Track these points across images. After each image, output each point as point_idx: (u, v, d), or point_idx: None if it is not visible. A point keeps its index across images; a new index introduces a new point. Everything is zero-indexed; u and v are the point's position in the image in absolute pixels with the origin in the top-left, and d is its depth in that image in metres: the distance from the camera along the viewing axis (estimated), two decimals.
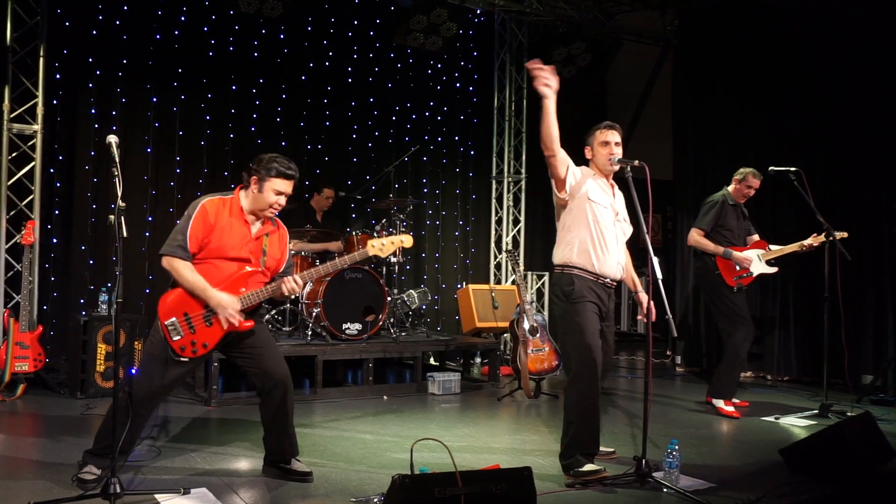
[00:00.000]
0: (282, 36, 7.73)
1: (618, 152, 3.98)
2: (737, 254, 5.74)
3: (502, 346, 8.02)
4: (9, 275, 6.12)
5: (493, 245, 9.04)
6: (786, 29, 7.39)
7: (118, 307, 3.32)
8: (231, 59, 7.47)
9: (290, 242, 3.89)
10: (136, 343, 5.79)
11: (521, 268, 8.46)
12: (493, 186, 9.05)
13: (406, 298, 7.14)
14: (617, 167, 3.98)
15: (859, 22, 6.75)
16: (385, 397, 6.08)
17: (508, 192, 8.97)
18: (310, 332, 6.19)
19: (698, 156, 8.35)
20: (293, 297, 3.70)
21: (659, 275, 3.71)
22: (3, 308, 5.97)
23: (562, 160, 3.84)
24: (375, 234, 6.74)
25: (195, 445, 4.33)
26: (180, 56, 7.22)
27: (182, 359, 3.50)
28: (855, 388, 6.28)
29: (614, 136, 4.00)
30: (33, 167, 6.22)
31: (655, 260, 3.72)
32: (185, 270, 3.48)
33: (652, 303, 3.87)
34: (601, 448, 4.04)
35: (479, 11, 8.61)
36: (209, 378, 5.53)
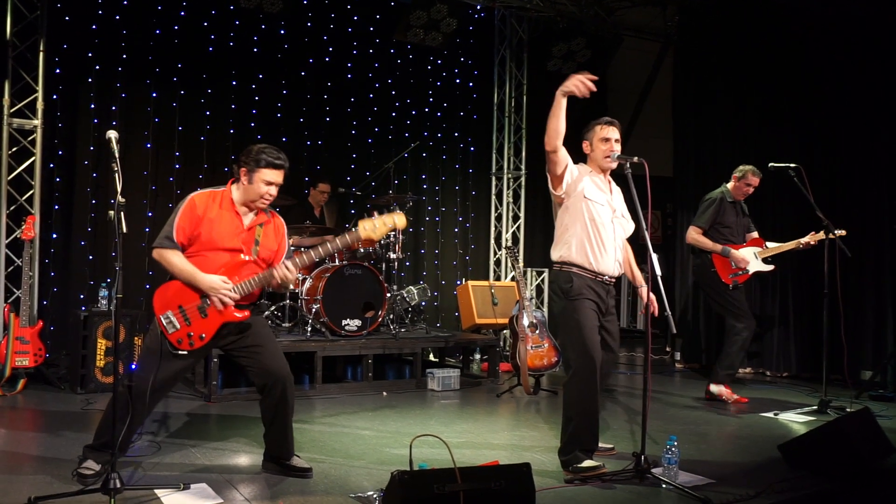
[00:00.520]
0: (282, 31, 7.72)
1: (617, 149, 3.98)
2: (734, 252, 5.76)
3: (502, 343, 8.02)
4: (9, 270, 6.12)
5: (492, 241, 9.04)
6: (787, 26, 7.39)
7: (118, 303, 3.32)
8: (231, 55, 7.46)
9: (288, 237, 3.87)
10: (135, 339, 5.79)
11: (521, 264, 8.46)
12: (493, 183, 9.05)
13: (406, 295, 7.14)
14: (615, 164, 3.98)
15: (859, 21, 6.74)
16: (384, 393, 6.08)
17: (508, 188, 8.97)
18: (309, 328, 6.19)
19: (698, 152, 8.34)
20: (290, 286, 3.66)
21: (658, 271, 3.71)
22: (4, 303, 5.97)
23: (562, 158, 3.84)
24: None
25: (195, 441, 4.33)
26: (180, 51, 7.21)
27: (180, 352, 3.49)
28: (854, 384, 6.29)
29: (614, 133, 3.99)
30: (33, 162, 6.22)
31: (655, 257, 3.72)
32: (174, 258, 3.49)
33: (653, 296, 3.88)
34: (600, 444, 4.05)
35: (479, 7, 8.60)
36: (209, 374, 5.54)
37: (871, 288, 6.70)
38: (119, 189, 3.26)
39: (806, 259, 6.23)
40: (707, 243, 5.84)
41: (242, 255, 3.57)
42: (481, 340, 7.27)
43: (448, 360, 7.64)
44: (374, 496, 3.31)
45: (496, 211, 9.04)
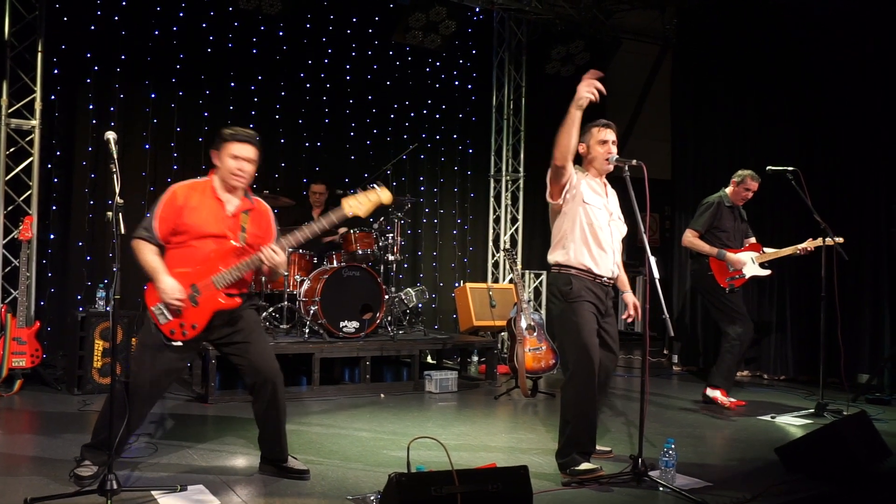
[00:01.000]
0: (281, 33, 7.72)
1: (614, 151, 3.99)
2: (730, 255, 5.77)
3: (499, 345, 8.02)
4: (6, 270, 6.11)
5: (490, 244, 9.04)
6: (785, 28, 7.40)
7: (116, 303, 3.31)
8: (230, 56, 7.46)
9: (276, 222, 3.85)
10: (133, 339, 5.78)
11: (519, 267, 8.47)
12: (492, 185, 9.05)
13: (404, 297, 7.14)
14: (613, 167, 3.98)
15: (859, 22, 6.75)
16: (382, 395, 6.08)
17: (506, 190, 8.97)
18: (307, 330, 6.19)
19: (697, 155, 8.35)
20: (280, 270, 3.62)
21: (656, 274, 3.71)
22: (1, 303, 5.96)
23: (569, 171, 3.84)
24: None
25: (192, 442, 4.33)
26: (179, 52, 7.21)
27: (174, 342, 3.49)
28: (851, 387, 6.28)
29: (611, 135, 4.01)
30: (31, 163, 6.21)
31: (653, 259, 3.72)
32: (145, 252, 3.51)
33: (637, 303, 3.91)
34: (598, 447, 4.05)
35: (477, 10, 8.60)
36: (207, 375, 5.53)
37: (869, 291, 6.71)
38: (117, 190, 3.27)
39: (803, 263, 6.24)
40: (703, 246, 5.85)
41: (232, 242, 3.56)
42: (479, 342, 7.27)
43: (446, 362, 7.64)
44: (372, 498, 3.31)
45: (494, 213, 9.04)
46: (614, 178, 4.09)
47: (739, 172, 5.94)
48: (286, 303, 6.44)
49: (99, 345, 5.62)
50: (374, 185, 3.72)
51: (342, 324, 6.22)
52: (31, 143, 6.22)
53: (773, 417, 5.51)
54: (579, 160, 4.07)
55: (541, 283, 8.83)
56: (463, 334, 7.58)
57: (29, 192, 6.18)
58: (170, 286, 3.43)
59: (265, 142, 3.77)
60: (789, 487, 3.70)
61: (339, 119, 8.11)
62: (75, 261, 6.66)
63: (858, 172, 6.86)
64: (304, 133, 7.89)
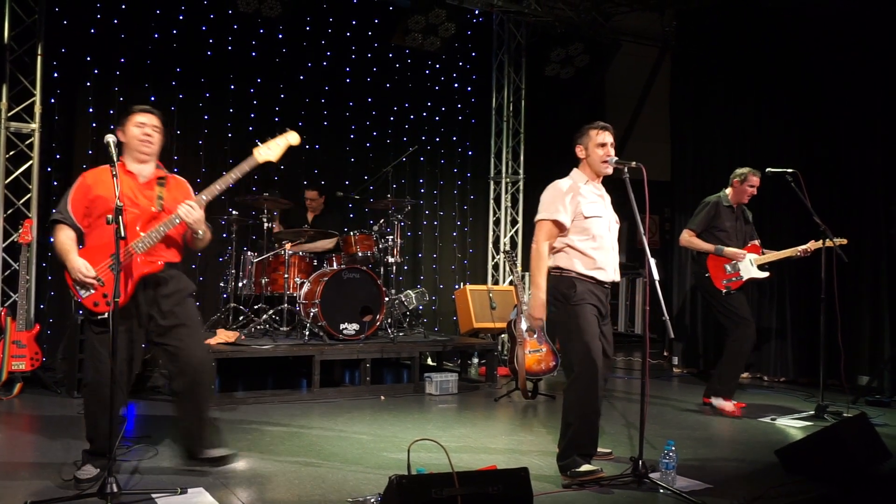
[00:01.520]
0: (280, 36, 7.73)
1: (612, 153, 4.00)
2: (727, 249, 5.73)
3: (500, 347, 8.03)
4: (6, 274, 6.12)
5: (490, 246, 9.04)
6: (784, 29, 7.40)
7: (115, 306, 3.31)
8: (229, 59, 7.48)
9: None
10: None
11: (519, 268, 8.45)
12: (491, 187, 9.06)
13: (404, 299, 7.14)
14: (611, 170, 3.98)
15: (858, 22, 6.76)
16: (382, 398, 6.08)
17: (506, 192, 8.97)
18: (307, 332, 6.19)
19: (697, 157, 8.36)
20: (201, 231, 3.59)
21: (656, 276, 3.71)
22: (1, 307, 5.96)
23: (564, 225, 3.89)
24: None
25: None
26: (178, 55, 7.22)
27: (99, 316, 3.49)
28: (851, 389, 6.28)
29: (609, 138, 4.01)
30: (31, 166, 6.22)
31: (652, 261, 3.72)
32: (59, 234, 3.59)
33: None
34: (598, 449, 4.05)
35: (477, 12, 8.62)
36: None
37: (868, 293, 6.70)
38: (117, 193, 3.27)
39: (803, 264, 6.23)
40: (700, 244, 5.82)
41: (152, 209, 3.59)
42: (479, 345, 7.27)
43: (446, 364, 7.64)
44: (372, 500, 3.31)
45: (494, 215, 9.04)
46: (614, 181, 4.09)
47: (738, 171, 5.90)
48: (286, 305, 6.44)
49: None
50: (286, 130, 3.83)
51: (342, 326, 6.22)
52: (30, 146, 6.23)
53: (773, 419, 5.51)
54: (577, 163, 4.08)
55: (548, 285, 8.81)
56: (463, 336, 7.58)
57: (29, 196, 6.19)
58: (74, 266, 3.48)
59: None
60: (789, 490, 3.69)
61: (338, 121, 8.12)
62: None
63: (858, 174, 6.86)
64: (303, 135, 7.74)
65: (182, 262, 3.83)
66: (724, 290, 5.71)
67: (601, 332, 3.95)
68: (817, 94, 7.15)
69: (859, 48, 6.78)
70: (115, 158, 3.39)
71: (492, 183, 9.05)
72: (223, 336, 5.87)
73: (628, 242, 11.92)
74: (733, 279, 5.72)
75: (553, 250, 3.98)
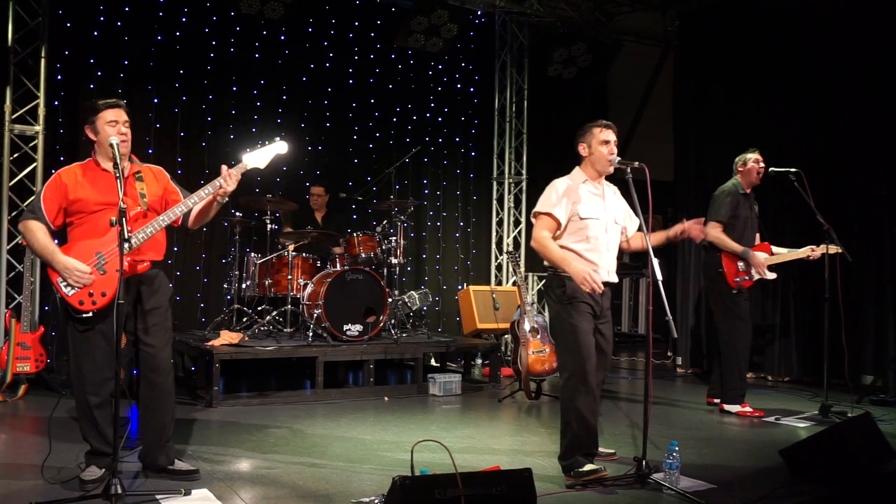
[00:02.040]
0: (283, 37, 7.74)
1: (615, 151, 3.99)
2: (755, 256, 5.57)
3: (503, 348, 8.02)
4: (10, 275, 6.13)
5: (493, 246, 9.04)
6: (786, 30, 7.39)
7: (119, 308, 3.32)
8: (232, 61, 7.49)
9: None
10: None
11: (522, 269, 8.47)
12: (494, 188, 9.06)
13: (407, 300, 7.15)
14: (612, 169, 3.98)
15: (860, 23, 6.75)
16: (386, 398, 6.08)
17: (509, 193, 8.97)
18: (311, 334, 6.19)
19: (699, 156, 8.35)
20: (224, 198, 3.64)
21: (659, 276, 3.71)
22: (5, 309, 5.98)
23: (560, 220, 3.90)
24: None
25: (196, 446, 4.33)
26: (181, 57, 7.24)
27: (84, 314, 3.46)
28: (855, 388, 6.27)
29: (612, 136, 4.00)
30: (35, 168, 6.24)
31: (656, 261, 3.71)
32: (35, 233, 3.49)
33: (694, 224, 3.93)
34: (602, 449, 4.05)
35: (479, 13, 8.62)
36: (211, 379, 5.54)
37: (872, 292, 6.69)
38: (121, 195, 3.28)
39: (807, 264, 6.20)
40: (729, 243, 5.60)
41: (138, 207, 3.57)
42: (483, 345, 7.27)
43: (449, 364, 7.64)
44: (376, 501, 3.31)
45: (497, 216, 9.04)
46: (617, 181, 4.09)
47: (742, 156, 5.81)
48: (290, 306, 6.44)
49: None
50: (277, 138, 3.82)
51: (346, 327, 6.23)
52: (34, 148, 6.24)
53: (777, 419, 5.50)
54: (579, 160, 4.07)
55: (544, 285, 8.82)
56: (466, 337, 7.58)
57: (33, 196, 6.20)
58: (68, 265, 3.42)
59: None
60: (793, 490, 3.69)
61: (341, 123, 8.13)
62: None
63: (861, 173, 6.85)
64: (306, 137, 7.91)
65: (164, 261, 3.83)
66: (736, 289, 5.63)
67: (599, 331, 3.94)
68: (819, 94, 7.14)
69: (861, 48, 6.77)
70: (118, 160, 3.39)
71: (495, 183, 9.06)
72: (227, 337, 5.88)
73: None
74: (745, 278, 5.63)
75: None
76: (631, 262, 10.65)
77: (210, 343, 5.79)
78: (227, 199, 3.67)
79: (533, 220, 4.03)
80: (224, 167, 3.61)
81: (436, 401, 6.11)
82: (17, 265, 6.10)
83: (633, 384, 7.32)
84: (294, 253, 6.48)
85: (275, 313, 6.47)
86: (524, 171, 8.92)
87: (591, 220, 3.91)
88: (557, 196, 3.93)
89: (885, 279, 6.63)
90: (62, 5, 6.62)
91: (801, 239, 5.93)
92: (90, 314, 3.47)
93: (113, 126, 3.55)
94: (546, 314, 8.25)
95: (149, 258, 3.62)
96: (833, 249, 5.48)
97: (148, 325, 3.63)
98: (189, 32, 7.26)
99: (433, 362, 7.70)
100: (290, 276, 6.41)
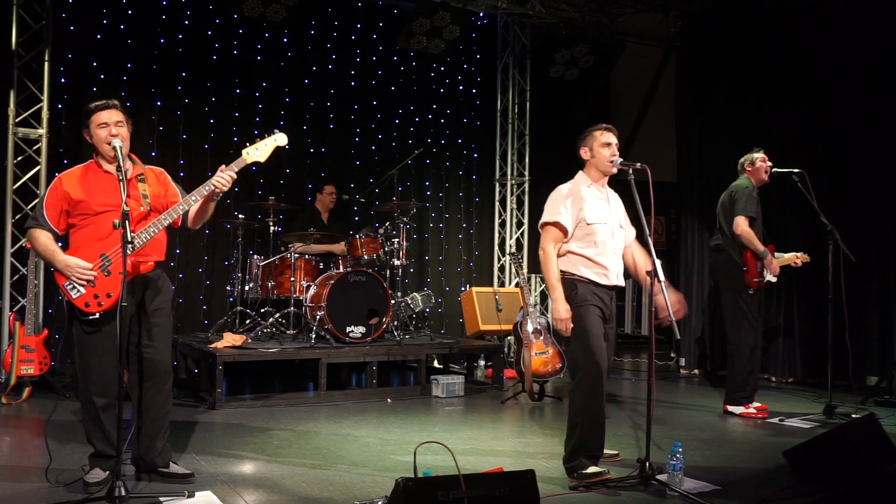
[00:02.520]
0: (285, 40, 7.75)
1: (617, 154, 4.00)
2: (772, 260, 5.55)
3: (506, 349, 8.02)
4: (14, 278, 6.15)
5: (496, 248, 9.04)
6: (788, 30, 7.39)
7: (123, 311, 3.33)
8: (235, 63, 7.50)
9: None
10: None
11: (525, 270, 8.45)
12: (497, 189, 9.06)
13: (410, 301, 7.15)
14: (615, 170, 3.98)
15: (861, 23, 6.74)
16: (389, 400, 6.08)
17: (512, 194, 8.97)
18: (314, 335, 6.20)
19: (702, 158, 8.34)
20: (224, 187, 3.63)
21: (662, 277, 3.71)
22: (9, 311, 5.99)
23: (567, 228, 3.89)
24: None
25: (200, 449, 4.34)
26: (184, 60, 7.25)
27: (91, 316, 3.47)
28: (859, 389, 6.25)
29: (614, 138, 4.01)
30: (38, 171, 6.25)
31: (658, 263, 3.72)
32: (38, 237, 3.53)
33: (678, 299, 3.90)
34: (605, 451, 4.04)
35: (481, 14, 8.62)
36: (214, 381, 5.54)
37: (876, 293, 6.68)
38: (124, 198, 3.29)
39: (810, 264, 6.20)
40: (756, 241, 5.52)
41: (140, 208, 3.57)
42: (486, 347, 7.26)
43: (452, 366, 7.64)
44: (379, 503, 3.31)
45: (500, 217, 9.04)
46: (619, 182, 4.09)
47: (749, 155, 5.78)
48: (292, 308, 6.45)
49: None
50: (276, 130, 3.79)
51: (348, 329, 6.23)
52: (38, 151, 6.26)
53: (781, 420, 5.49)
54: (582, 165, 4.08)
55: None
56: (469, 338, 7.58)
57: (37, 201, 6.22)
58: (71, 264, 3.43)
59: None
60: (797, 491, 3.68)
61: (343, 125, 8.13)
62: None
63: (864, 174, 6.84)
64: (308, 139, 7.91)
65: (167, 262, 3.84)
66: (753, 289, 5.60)
67: (604, 335, 3.94)
68: (822, 94, 7.14)
69: (862, 48, 6.77)
70: (121, 163, 3.40)
71: (497, 185, 9.06)
72: (230, 339, 5.89)
73: None
74: (761, 279, 5.63)
75: (557, 255, 3.98)
76: None
77: (213, 345, 5.80)
78: (220, 196, 3.65)
79: (540, 230, 4.03)
80: (223, 166, 3.61)
81: (439, 402, 6.11)
82: (20, 268, 6.11)
83: (636, 385, 7.31)
84: (297, 255, 6.48)
85: (278, 315, 6.47)
86: (527, 173, 8.92)
87: (598, 225, 3.91)
88: (562, 204, 3.93)
89: (888, 280, 6.62)
90: (65, 9, 6.64)
91: (805, 240, 5.94)
92: (97, 315, 3.48)
93: (104, 128, 3.52)
94: (549, 315, 8.28)
95: (152, 258, 3.63)
96: (797, 261, 5.45)
97: (150, 326, 3.63)
98: (192, 35, 7.28)
99: (436, 364, 7.71)
100: (292, 278, 6.42)
